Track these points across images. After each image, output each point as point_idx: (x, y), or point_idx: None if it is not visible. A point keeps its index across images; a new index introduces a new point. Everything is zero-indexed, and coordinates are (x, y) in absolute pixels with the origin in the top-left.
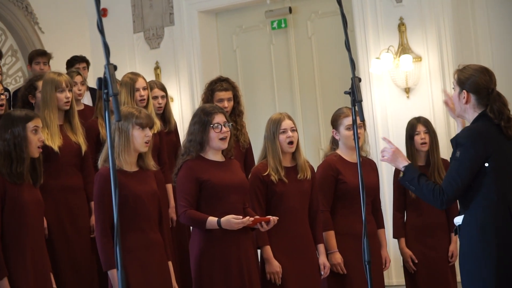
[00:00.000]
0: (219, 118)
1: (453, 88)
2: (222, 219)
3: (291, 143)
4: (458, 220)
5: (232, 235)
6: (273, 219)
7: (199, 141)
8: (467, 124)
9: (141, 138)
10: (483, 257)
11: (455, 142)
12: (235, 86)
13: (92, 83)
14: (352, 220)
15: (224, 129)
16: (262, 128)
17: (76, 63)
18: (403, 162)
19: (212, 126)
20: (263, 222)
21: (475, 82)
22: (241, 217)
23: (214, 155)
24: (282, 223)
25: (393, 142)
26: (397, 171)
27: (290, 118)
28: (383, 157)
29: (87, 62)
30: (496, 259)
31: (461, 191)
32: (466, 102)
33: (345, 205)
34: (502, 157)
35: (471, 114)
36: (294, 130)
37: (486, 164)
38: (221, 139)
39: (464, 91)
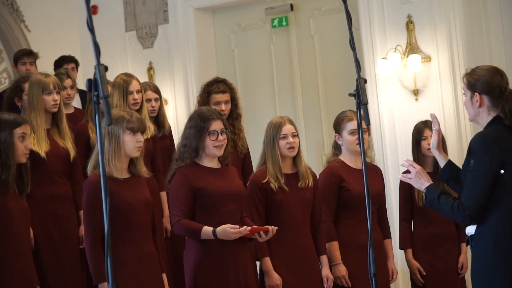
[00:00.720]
0: (216, 125)
1: (464, 94)
2: (218, 228)
3: (291, 148)
4: (471, 230)
5: (229, 246)
6: (272, 228)
7: (194, 148)
8: (476, 128)
9: (132, 143)
10: (498, 270)
11: (468, 149)
12: (233, 88)
13: (81, 84)
14: (357, 230)
15: (220, 137)
16: (262, 132)
17: (65, 63)
18: (425, 184)
19: (209, 134)
20: (261, 232)
21: (486, 82)
22: (238, 226)
23: (209, 162)
24: (283, 233)
25: (400, 147)
26: None
27: (291, 122)
28: (405, 177)
29: (76, 63)
30: (511, 273)
31: (483, 203)
32: (480, 105)
33: (349, 214)
34: None
35: (485, 118)
36: (295, 135)
37: (502, 171)
38: (216, 146)
39: (476, 93)
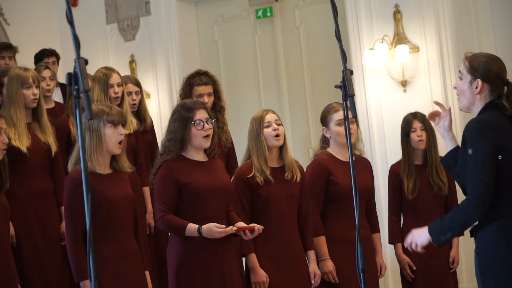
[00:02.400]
0: (201, 114)
1: (460, 77)
2: (203, 226)
3: (277, 136)
4: None
5: (213, 243)
6: (258, 227)
7: (180, 139)
8: (469, 118)
9: (114, 137)
10: (505, 259)
11: (463, 137)
12: (215, 80)
13: (62, 78)
14: (345, 225)
15: (206, 126)
16: (246, 126)
17: (45, 57)
18: (424, 231)
19: (194, 123)
20: (247, 231)
21: (488, 69)
22: (224, 225)
23: (196, 154)
24: (269, 228)
25: (388, 139)
26: (392, 172)
27: (274, 112)
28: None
29: (57, 56)
30: None
31: (491, 186)
32: (480, 92)
33: (337, 208)
34: None
35: (478, 105)
36: (279, 124)
37: (499, 157)
38: (204, 137)
39: (478, 80)
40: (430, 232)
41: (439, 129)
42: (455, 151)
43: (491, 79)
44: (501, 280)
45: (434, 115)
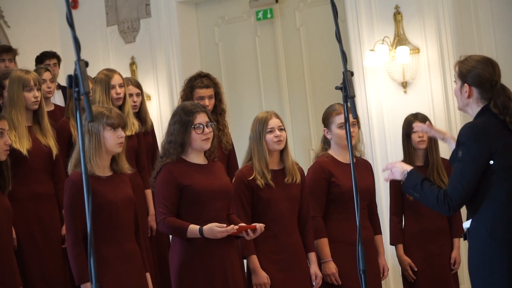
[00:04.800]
0: (201, 118)
1: (455, 81)
2: (205, 227)
3: (279, 142)
4: (466, 224)
5: (215, 245)
6: (260, 226)
7: (180, 143)
8: (470, 119)
9: (113, 140)
10: (494, 262)
11: (457, 140)
12: (217, 83)
13: (63, 80)
14: (347, 226)
15: (206, 129)
16: (247, 128)
17: (46, 59)
18: (407, 168)
19: (194, 127)
20: (249, 230)
21: (477, 74)
22: (225, 225)
23: (196, 157)
24: (270, 230)
25: (389, 141)
26: None
27: (277, 116)
28: (392, 176)
29: (58, 58)
30: (509, 263)
31: (469, 194)
32: (469, 96)
33: (339, 210)
34: (508, 154)
35: (474, 108)
36: (282, 129)
37: (492, 162)
38: (204, 140)
39: (466, 84)
40: (407, 178)
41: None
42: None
43: (479, 84)
44: (490, 281)
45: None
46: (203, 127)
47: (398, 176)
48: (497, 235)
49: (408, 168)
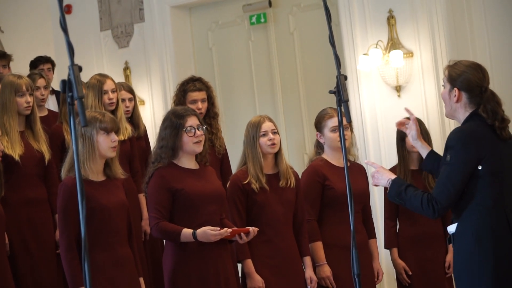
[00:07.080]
0: (192, 121)
1: (443, 85)
2: (198, 230)
3: (273, 145)
4: (452, 228)
5: (209, 249)
6: (253, 230)
7: (171, 147)
8: (458, 124)
9: (106, 144)
10: (480, 267)
11: (445, 145)
12: (209, 86)
13: (57, 85)
14: (341, 230)
15: (198, 132)
16: (241, 132)
17: (40, 64)
18: (390, 177)
19: (185, 130)
20: (242, 234)
21: (467, 79)
22: (219, 228)
23: (188, 162)
24: (265, 234)
25: (383, 145)
26: None
27: (270, 120)
28: (376, 180)
29: (52, 63)
30: (494, 268)
31: (454, 198)
32: (457, 101)
33: (333, 214)
34: (496, 159)
35: (462, 113)
36: (275, 132)
37: (479, 167)
38: (195, 143)
39: (455, 88)
40: (391, 186)
41: (409, 138)
42: (431, 155)
43: (469, 88)
44: (476, 285)
45: (402, 124)
46: (194, 130)
47: (383, 184)
48: (483, 239)
49: (392, 176)
